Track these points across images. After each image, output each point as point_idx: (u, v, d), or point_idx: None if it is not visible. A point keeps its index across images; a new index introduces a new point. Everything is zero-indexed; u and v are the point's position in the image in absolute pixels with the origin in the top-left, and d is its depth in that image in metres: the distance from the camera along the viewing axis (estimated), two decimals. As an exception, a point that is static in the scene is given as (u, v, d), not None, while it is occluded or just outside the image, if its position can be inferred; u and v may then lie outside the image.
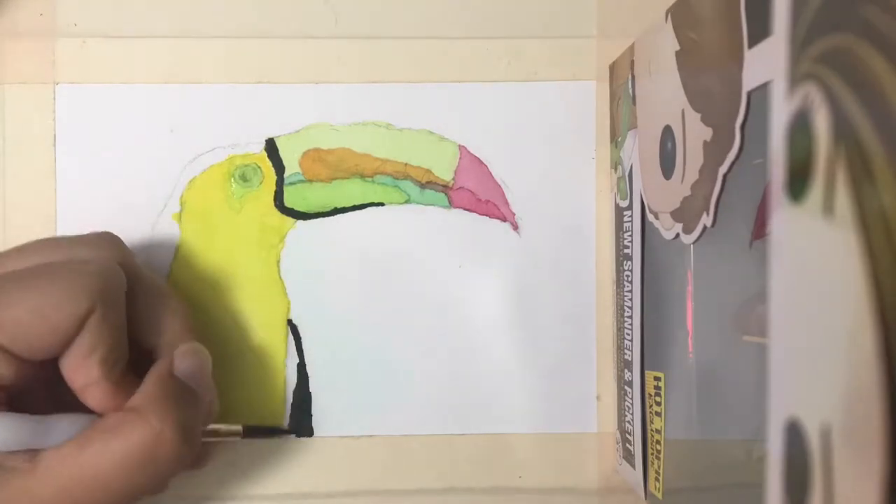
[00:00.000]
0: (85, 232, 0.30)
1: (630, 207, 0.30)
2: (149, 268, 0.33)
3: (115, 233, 0.31)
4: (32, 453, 0.25)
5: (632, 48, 0.29)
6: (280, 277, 0.33)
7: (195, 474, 0.32)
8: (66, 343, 0.26)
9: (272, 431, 0.33)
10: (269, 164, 0.33)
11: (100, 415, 0.27)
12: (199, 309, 0.33)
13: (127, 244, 0.32)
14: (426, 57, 0.34)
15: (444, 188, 0.34)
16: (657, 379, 0.28)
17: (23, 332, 0.25)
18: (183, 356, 0.28)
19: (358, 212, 0.33)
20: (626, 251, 0.31)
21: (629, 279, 0.30)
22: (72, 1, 0.33)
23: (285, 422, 0.33)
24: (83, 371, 0.26)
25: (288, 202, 0.33)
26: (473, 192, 0.34)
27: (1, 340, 0.25)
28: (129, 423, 0.26)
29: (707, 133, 0.23)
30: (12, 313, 0.25)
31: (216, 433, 0.30)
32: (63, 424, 0.26)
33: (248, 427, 0.31)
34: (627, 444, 0.31)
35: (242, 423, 0.32)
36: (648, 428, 0.29)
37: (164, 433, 0.26)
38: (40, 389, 0.27)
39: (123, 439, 0.25)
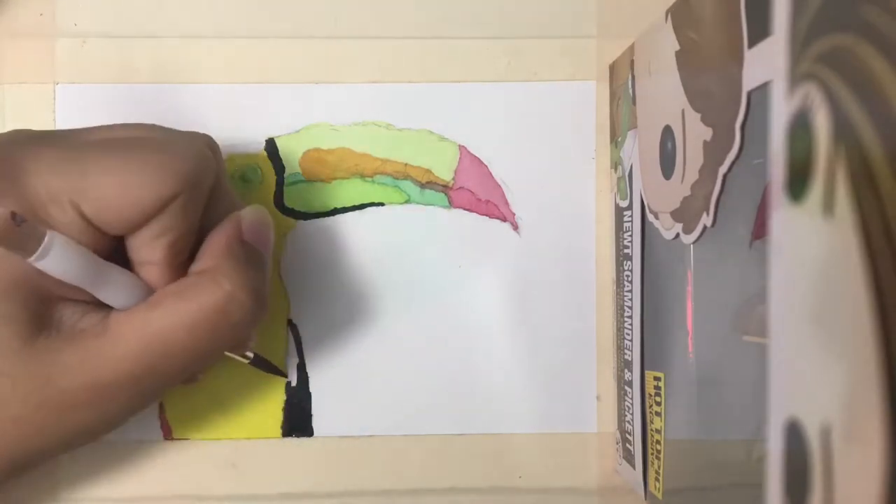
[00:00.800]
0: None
1: (630, 207, 0.30)
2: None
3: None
4: (104, 314, 0.25)
5: (632, 48, 0.29)
6: (280, 277, 0.33)
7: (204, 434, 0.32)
8: (145, 222, 0.25)
9: (272, 369, 0.32)
10: (269, 164, 0.33)
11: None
12: (199, 309, 0.33)
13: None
14: (426, 57, 0.34)
15: (444, 188, 0.34)
16: (657, 379, 0.28)
17: (105, 204, 0.24)
18: (250, 218, 0.28)
19: (358, 212, 0.33)
20: (626, 251, 0.31)
21: (629, 279, 0.30)
22: (72, 1, 0.33)
23: (282, 424, 0.33)
24: (148, 249, 0.26)
25: (288, 202, 0.33)
26: (473, 192, 0.34)
27: (83, 207, 0.24)
28: (201, 286, 0.25)
29: (707, 133, 0.23)
30: (99, 182, 0.24)
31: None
32: (128, 279, 0.26)
33: (257, 356, 0.31)
34: (627, 444, 0.31)
35: (250, 354, 0.31)
36: (648, 428, 0.29)
37: (237, 295, 0.25)
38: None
39: (195, 302, 0.25)
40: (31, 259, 0.23)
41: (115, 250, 0.26)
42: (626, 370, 0.31)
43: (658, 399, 0.28)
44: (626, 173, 0.30)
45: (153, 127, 0.28)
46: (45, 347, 0.24)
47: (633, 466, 0.30)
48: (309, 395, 0.33)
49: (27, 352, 0.24)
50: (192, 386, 0.32)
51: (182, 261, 0.27)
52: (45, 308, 0.25)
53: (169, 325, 0.25)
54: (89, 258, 0.25)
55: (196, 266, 0.26)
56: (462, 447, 0.33)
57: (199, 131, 0.28)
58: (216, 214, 0.28)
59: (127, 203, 0.25)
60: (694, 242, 0.24)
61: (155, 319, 0.25)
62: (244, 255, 0.27)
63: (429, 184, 0.34)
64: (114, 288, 0.25)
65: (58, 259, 0.24)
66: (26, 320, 0.24)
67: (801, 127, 0.17)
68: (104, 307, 0.26)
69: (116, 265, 0.26)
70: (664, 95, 0.26)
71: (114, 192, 0.24)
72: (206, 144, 0.27)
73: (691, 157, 0.24)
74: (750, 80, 0.20)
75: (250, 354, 0.30)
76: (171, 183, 0.25)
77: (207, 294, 0.25)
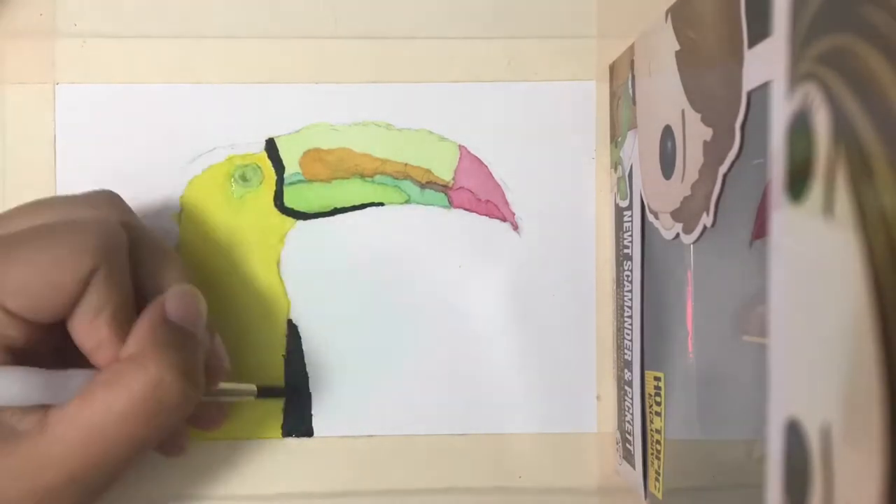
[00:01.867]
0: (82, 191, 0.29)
1: (630, 207, 0.30)
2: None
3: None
4: (43, 412, 0.25)
5: (632, 48, 0.29)
6: (280, 277, 0.33)
7: (209, 434, 0.32)
8: (72, 304, 0.25)
9: (280, 392, 0.33)
10: (269, 164, 0.33)
11: None
12: (199, 309, 0.33)
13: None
14: (426, 57, 0.34)
15: (444, 188, 0.34)
16: (657, 379, 0.28)
17: (27, 294, 0.25)
18: (173, 298, 0.27)
19: (358, 212, 0.33)
20: (626, 251, 0.31)
21: (629, 279, 0.30)
22: (72, 1, 0.33)
23: (282, 424, 0.33)
24: (92, 332, 0.26)
25: (288, 202, 0.33)
26: (473, 192, 0.34)
27: (6, 303, 0.25)
28: (128, 374, 0.25)
29: (707, 133, 0.23)
30: (14, 275, 0.25)
31: (231, 393, 0.30)
32: (79, 379, 0.26)
33: (262, 387, 0.31)
34: (627, 444, 0.31)
35: (253, 388, 0.31)
36: (648, 428, 0.29)
37: (164, 378, 0.25)
38: (49, 353, 0.27)
39: (125, 390, 0.25)
40: None
41: (59, 339, 0.26)
42: (626, 370, 0.31)
43: (658, 399, 0.28)
44: (626, 173, 0.30)
45: (52, 201, 0.28)
46: None
47: (633, 466, 0.30)
48: (309, 395, 0.33)
49: None
50: (179, 457, 0.31)
51: (129, 334, 0.26)
52: None
53: (103, 418, 0.24)
54: (33, 379, 0.25)
55: (125, 350, 0.26)
56: (462, 447, 0.33)
57: (100, 189, 0.29)
58: (148, 265, 0.28)
59: (48, 289, 0.25)
60: (694, 242, 0.24)
61: (88, 415, 0.24)
62: (170, 336, 0.26)
63: (429, 184, 0.34)
64: (65, 391, 0.25)
65: (1, 390, 0.24)
66: None
67: (801, 127, 0.17)
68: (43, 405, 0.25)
69: (69, 370, 0.26)
70: (664, 95, 0.26)
71: (33, 280, 0.25)
72: (109, 204, 0.28)
73: (691, 157, 0.24)
74: (750, 80, 0.20)
75: (253, 388, 0.31)
76: (86, 258, 0.25)
77: (135, 381, 0.25)
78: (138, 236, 0.28)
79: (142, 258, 0.28)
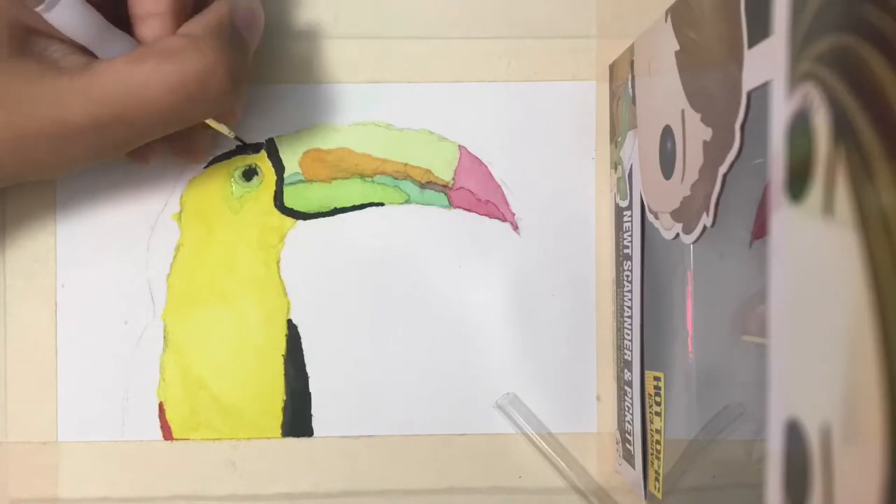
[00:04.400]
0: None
1: (630, 207, 0.30)
2: (147, 267, 0.33)
3: (116, 232, 0.31)
4: (89, 59, 0.26)
5: (632, 48, 0.29)
6: (280, 277, 0.33)
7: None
8: None
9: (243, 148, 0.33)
10: (269, 164, 0.33)
11: None
12: (200, 309, 0.33)
13: (127, 244, 0.32)
14: (426, 57, 0.34)
15: (444, 188, 0.34)
16: (657, 379, 0.28)
17: None
18: (242, 7, 0.28)
19: (358, 212, 0.33)
20: (626, 251, 0.31)
21: (629, 279, 0.30)
22: (72, 1, 0.33)
23: (282, 424, 0.33)
24: (153, 1, 0.26)
25: (288, 202, 0.33)
26: (473, 192, 0.34)
27: None
28: (186, 51, 0.26)
29: (707, 133, 0.23)
30: None
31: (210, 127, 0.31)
32: (125, 44, 0.26)
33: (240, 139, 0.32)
34: (627, 444, 0.31)
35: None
36: (648, 428, 0.29)
37: (217, 69, 0.26)
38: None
39: (178, 65, 0.25)
40: (39, 9, 0.24)
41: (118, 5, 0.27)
42: (626, 370, 0.31)
43: (658, 399, 0.28)
44: (626, 173, 0.30)
45: None
46: (20, 70, 0.25)
47: (633, 466, 0.30)
48: (309, 395, 0.33)
49: (1, 67, 0.25)
50: (144, 165, 0.32)
51: (186, 14, 0.27)
52: (28, 36, 0.25)
53: (148, 81, 0.25)
54: (92, 17, 0.25)
55: (187, 27, 0.27)
56: (462, 447, 0.33)
57: None
58: None
59: None
60: (694, 242, 0.24)
61: (137, 73, 0.25)
62: (230, 35, 0.27)
63: (429, 184, 0.34)
64: (110, 48, 0.26)
65: (63, 13, 0.25)
66: (4, 41, 0.25)
67: (801, 127, 0.17)
68: (91, 54, 0.26)
69: (117, 28, 0.26)
70: (664, 95, 0.26)
71: None
72: None
73: (691, 157, 0.24)
74: (750, 80, 0.20)
75: (232, 135, 0.31)
76: None
77: (191, 61, 0.26)
78: None
79: None
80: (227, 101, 0.27)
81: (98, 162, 0.29)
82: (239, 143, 0.33)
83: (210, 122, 0.30)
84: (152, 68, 0.25)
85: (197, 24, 0.27)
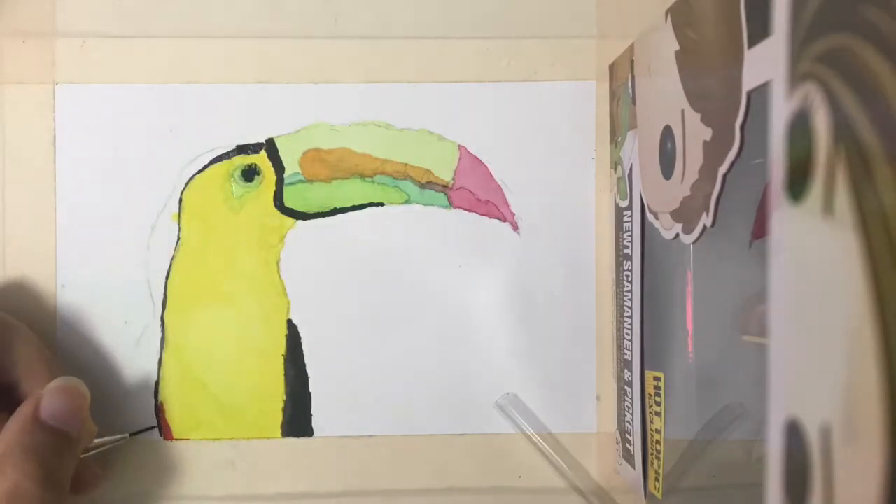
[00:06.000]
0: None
1: (630, 207, 0.30)
2: (147, 267, 0.33)
3: (116, 232, 0.31)
4: None
5: (632, 48, 0.29)
6: (280, 277, 0.33)
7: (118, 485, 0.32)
8: None
9: (153, 427, 0.33)
10: (269, 164, 0.33)
11: None
12: (200, 309, 0.33)
13: (127, 244, 0.32)
14: (426, 57, 0.34)
15: (444, 188, 0.34)
16: (657, 379, 0.28)
17: None
18: (51, 396, 0.27)
19: (358, 212, 0.33)
20: (626, 251, 0.31)
21: (629, 279, 0.30)
22: (72, 1, 0.33)
23: (282, 424, 0.33)
24: None
25: (288, 202, 0.33)
26: (473, 192, 0.34)
27: None
28: None
29: (707, 133, 0.23)
30: None
31: (105, 444, 0.30)
32: None
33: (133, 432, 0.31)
34: (627, 444, 0.31)
35: (125, 435, 0.31)
36: (648, 428, 0.29)
37: (22, 485, 0.25)
38: None
39: None
40: None
41: None
42: (626, 370, 0.31)
43: (658, 399, 0.28)
44: (626, 173, 0.30)
45: None
46: None
47: (633, 466, 0.30)
48: (309, 395, 0.33)
49: None
50: (97, 487, 0.31)
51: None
52: None
53: None
54: None
55: None
56: (462, 447, 0.33)
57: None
58: (24, 368, 0.28)
59: None
60: (694, 242, 0.24)
61: None
62: (39, 440, 0.26)
63: (429, 184, 0.34)
64: None
65: None
66: None
67: (800, 127, 0.17)
68: None
69: None
70: (664, 95, 0.26)
71: None
72: None
73: (691, 157, 0.24)
74: (750, 80, 0.20)
75: (125, 435, 0.31)
76: None
77: None
78: (12, 335, 0.28)
79: (15, 355, 0.27)
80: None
81: None
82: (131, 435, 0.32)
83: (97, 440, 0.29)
84: None
85: (1, 442, 0.25)
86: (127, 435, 0.31)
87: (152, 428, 0.33)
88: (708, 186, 0.23)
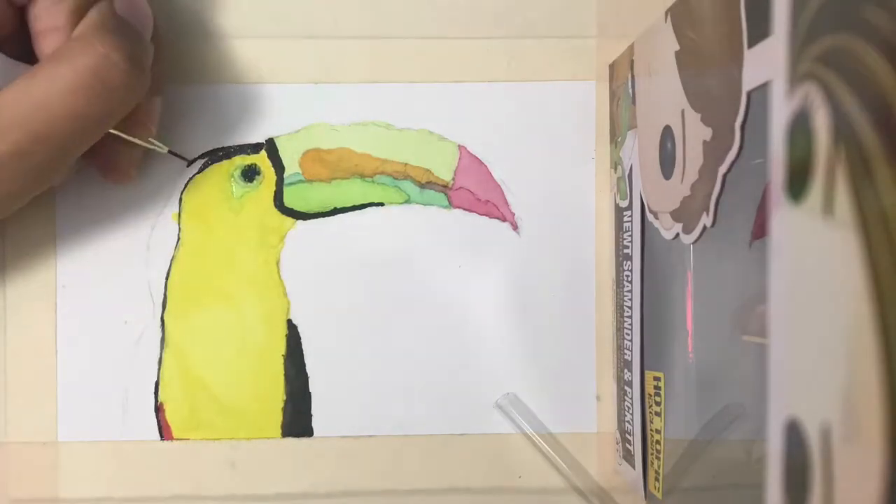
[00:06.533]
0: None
1: (630, 207, 0.30)
2: (147, 267, 0.33)
3: (116, 232, 0.31)
4: None
5: (632, 48, 0.29)
6: (280, 277, 0.33)
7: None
8: None
9: (183, 158, 0.33)
10: (269, 164, 0.33)
11: None
12: (200, 309, 0.33)
13: (127, 244, 0.32)
14: (426, 57, 0.34)
15: (444, 188, 0.34)
16: (657, 379, 0.28)
17: None
18: (121, 1, 0.28)
19: (358, 212, 0.33)
20: (626, 251, 0.31)
21: (629, 279, 0.30)
22: (72, 1, 0.33)
23: (282, 424, 0.33)
24: (50, 15, 0.27)
25: (288, 202, 0.33)
26: (473, 192, 0.34)
27: None
28: (75, 50, 0.26)
29: (707, 133, 0.23)
30: None
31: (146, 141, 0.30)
32: (17, 68, 0.27)
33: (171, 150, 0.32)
34: (627, 444, 0.31)
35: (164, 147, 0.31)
36: (648, 428, 0.29)
37: (111, 57, 0.26)
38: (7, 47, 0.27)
39: (70, 65, 0.26)
40: None
41: (17, 27, 0.27)
42: (625, 370, 0.31)
43: (658, 399, 0.28)
44: (626, 173, 0.30)
45: None
46: None
47: (633, 466, 0.30)
48: (309, 395, 0.33)
49: None
50: (126, 183, 0.32)
51: None
52: None
53: (47, 90, 0.25)
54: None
55: (75, 33, 0.27)
56: (462, 447, 0.33)
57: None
58: None
59: None
60: (694, 242, 0.24)
61: (35, 86, 0.26)
62: (118, 25, 0.27)
63: (429, 184, 0.34)
64: (4, 74, 0.26)
65: None
66: None
67: (800, 127, 0.17)
68: None
69: (20, 62, 0.27)
70: (664, 95, 0.26)
71: None
72: None
73: (691, 157, 0.24)
74: (750, 80, 0.20)
75: (165, 149, 0.31)
76: None
77: (82, 56, 0.26)
78: None
79: None
80: (131, 89, 0.27)
81: (37, 192, 0.28)
82: (182, 158, 0.33)
83: (136, 139, 0.30)
84: (48, 75, 0.26)
85: (82, 26, 0.27)
86: (166, 149, 0.31)
87: (189, 160, 0.33)
88: (708, 186, 0.23)
